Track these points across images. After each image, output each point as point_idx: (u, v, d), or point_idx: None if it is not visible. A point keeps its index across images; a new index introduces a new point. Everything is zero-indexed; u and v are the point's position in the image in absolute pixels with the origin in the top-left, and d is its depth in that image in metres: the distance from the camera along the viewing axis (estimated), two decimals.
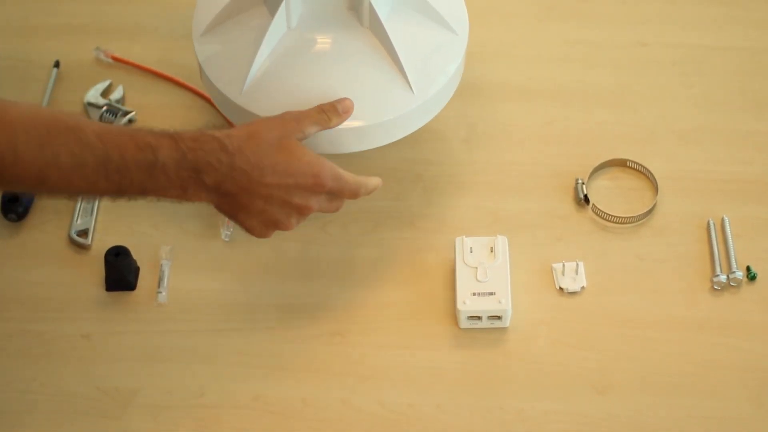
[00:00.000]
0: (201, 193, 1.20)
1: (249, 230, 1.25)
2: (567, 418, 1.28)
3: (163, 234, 1.41)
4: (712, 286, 1.35)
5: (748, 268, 1.36)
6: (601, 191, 1.43)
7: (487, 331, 1.33)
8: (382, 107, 1.30)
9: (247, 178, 1.20)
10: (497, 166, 1.46)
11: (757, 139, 1.46)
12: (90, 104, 1.52)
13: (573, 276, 1.36)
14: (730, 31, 1.56)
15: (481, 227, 1.40)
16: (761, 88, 1.51)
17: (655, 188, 1.42)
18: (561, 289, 1.36)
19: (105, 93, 1.53)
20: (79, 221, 1.42)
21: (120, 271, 1.37)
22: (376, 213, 1.43)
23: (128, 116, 1.51)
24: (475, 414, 1.29)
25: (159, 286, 1.38)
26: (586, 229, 1.40)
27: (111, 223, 1.42)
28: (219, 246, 1.41)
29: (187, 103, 1.53)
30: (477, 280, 1.33)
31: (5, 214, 1.43)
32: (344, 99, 1.27)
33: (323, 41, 1.31)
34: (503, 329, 1.34)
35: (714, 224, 1.39)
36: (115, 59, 1.56)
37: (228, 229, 1.40)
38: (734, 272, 1.35)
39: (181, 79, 1.54)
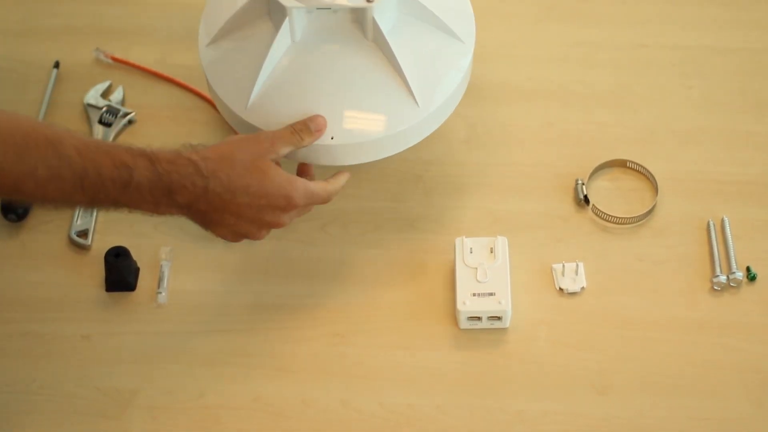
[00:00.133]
0: (173, 210, 1.22)
1: (220, 237, 1.27)
2: (567, 419, 1.28)
3: (163, 235, 1.41)
4: (712, 287, 1.35)
5: (748, 269, 1.36)
6: (601, 192, 1.43)
7: (487, 331, 1.33)
8: (387, 121, 1.30)
9: (219, 199, 1.22)
10: (497, 166, 1.46)
11: (756, 139, 1.46)
12: (90, 105, 1.52)
13: (573, 276, 1.36)
14: (730, 31, 1.56)
15: (481, 228, 1.40)
16: (761, 88, 1.51)
17: (655, 189, 1.42)
18: (561, 289, 1.36)
19: (105, 94, 1.53)
20: (79, 222, 1.42)
21: (120, 272, 1.37)
22: (376, 214, 1.43)
23: (128, 117, 1.51)
24: (475, 414, 1.29)
25: (159, 287, 1.38)
26: (586, 230, 1.40)
27: (111, 223, 1.42)
28: (219, 247, 1.41)
29: (187, 104, 1.53)
30: (477, 280, 1.33)
31: (5, 215, 1.43)
32: (316, 116, 1.28)
33: (327, 55, 1.30)
34: (503, 330, 1.34)
35: (714, 225, 1.39)
36: (115, 60, 1.56)
37: None
38: (734, 273, 1.35)
39: (181, 80, 1.54)
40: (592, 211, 1.41)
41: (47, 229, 1.43)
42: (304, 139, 1.27)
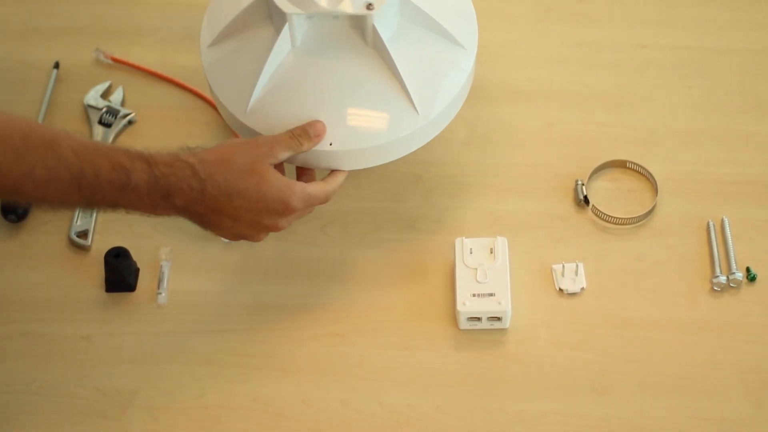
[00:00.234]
0: (170, 212, 1.22)
1: (219, 236, 1.28)
2: (566, 419, 1.28)
3: (162, 235, 1.41)
4: (712, 287, 1.35)
5: (747, 269, 1.36)
6: (600, 192, 1.43)
7: (486, 332, 1.33)
8: (386, 128, 1.29)
9: (216, 202, 1.22)
10: (497, 167, 1.46)
11: (756, 140, 1.46)
12: (90, 106, 1.52)
13: (573, 277, 1.36)
14: (730, 32, 1.56)
15: (480, 228, 1.40)
16: (761, 89, 1.51)
17: (655, 189, 1.42)
18: (561, 290, 1.36)
19: (105, 94, 1.53)
20: (78, 222, 1.42)
21: (120, 273, 1.37)
22: (376, 214, 1.43)
23: (128, 117, 1.51)
24: (475, 415, 1.29)
25: (159, 288, 1.38)
26: (585, 230, 1.40)
27: (111, 224, 1.42)
28: (218, 247, 1.41)
29: (187, 104, 1.53)
30: (477, 281, 1.33)
31: (5, 215, 1.43)
32: (315, 122, 1.28)
33: (327, 61, 1.30)
34: (503, 330, 1.34)
35: (714, 225, 1.39)
36: (115, 60, 1.56)
37: None
38: (734, 273, 1.35)
39: (181, 80, 1.54)
40: (592, 211, 1.41)
41: (47, 229, 1.43)
42: (303, 145, 1.27)
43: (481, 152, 1.47)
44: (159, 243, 1.41)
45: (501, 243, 1.35)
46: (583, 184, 1.42)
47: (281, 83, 1.30)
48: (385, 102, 1.29)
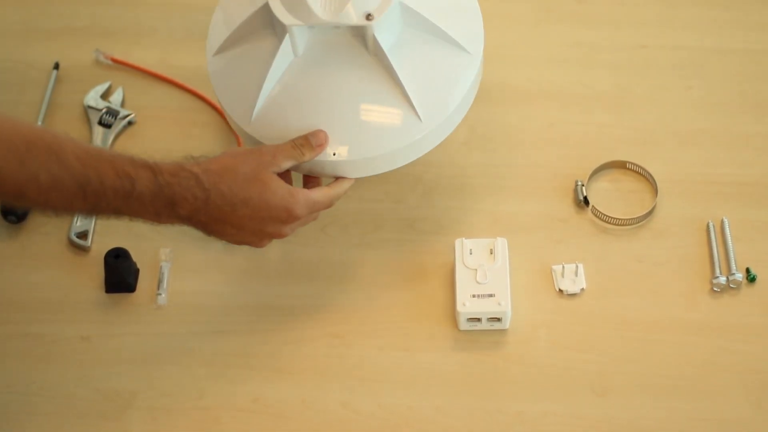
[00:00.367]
0: (174, 220, 1.23)
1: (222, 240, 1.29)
2: (566, 420, 1.28)
3: (162, 236, 1.41)
4: (712, 288, 1.35)
5: (747, 270, 1.36)
6: (600, 193, 1.43)
7: (486, 333, 1.33)
8: (389, 137, 1.29)
9: (219, 211, 1.22)
10: (497, 168, 1.46)
11: (756, 141, 1.46)
12: (90, 106, 1.52)
13: (572, 278, 1.36)
14: (730, 33, 1.56)
15: (480, 229, 1.40)
16: (761, 90, 1.50)
17: (655, 190, 1.42)
18: (560, 290, 1.36)
19: (105, 95, 1.53)
20: (78, 223, 1.42)
21: (120, 273, 1.37)
22: (375, 215, 1.43)
23: (128, 118, 1.51)
24: (475, 416, 1.29)
25: (158, 288, 1.38)
26: (585, 231, 1.40)
27: (110, 225, 1.41)
28: (218, 248, 1.41)
29: (187, 105, 1.53)
30: (476, 281, 1.33)
31: (5, 216, 1.43)
32: (317, 131, 1.28)
33: (330, 70, 1.29)
34: (503, 331, 1.34)
35: (714, 226, 1.39)
36: (115, 61, 1.56)
37: None
38: (734, 274, 1.35)
39: (181, 81, 1.54)
40: (592, 212, 1.41)
41: (47, 230, 1.43)
42: (305, 154, 1.27)
43: (480, 153, 1.47)
44: (159, 244, 1.41)
45: (501, 244, 1.35)
46: (582, 185, 1.42)
47: (284, 93, 1.30)
48: (387, 111, 1.29)
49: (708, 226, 1.39)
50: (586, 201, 1.41)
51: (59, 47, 1.58)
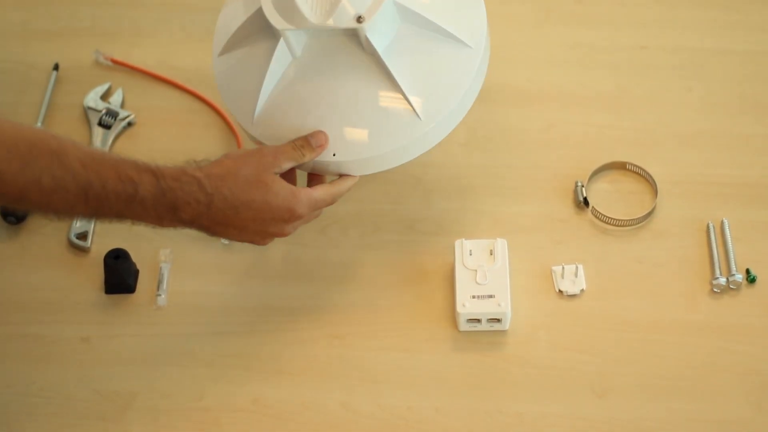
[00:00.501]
0: (176, 224, 1.23)
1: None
2: (566, 422, 1.28)
3: (162, 237, 1.41)
4: (712, 289, 1.35)
5: (747, 271, 1.36)
6: (600, 194, 1.43)
7: (486, 333, 1.33)
8: (389, 136, 1.29)
9: (222, 215, 1.23)
10: (496, 169, 1.45)
11: (756, 142, 1.46)
12: (89, 107, 1.52)
13: (572, 279, 1.36)
14: (730, 34, 1.56)
15: (480, 230, 1.40)
16: (761, 91, 1.50)
17: (655, 191, 1.42)
18: (560, 291, 1.36)
19: (104, 96, 1.53)
20: (78, 224, 1.42)
21: (119, 274, 1.37)
22: (375, 216, 1.43)
23: (127, 119, 1.51)
24: (475, 417, 1.29)
25: (158, 289, 1.38)
26: (585, 232, 1.40)
27: (110, 226, 1.40)
28: (218, 249, 1.41)
29: (187, 106, 1.53)
30: (476, 282, 1.33)
31: (5, 217, 1.43)
32: (317, 132, 1.28)
33: (327, 71, 1.29)
34: (503, 332, 1.33)
35: (713, 227, 1.39)
36: (115, 62, 1.56)
37: None
38: (734, 275, 1.35)
39: (181, 82, 1.54)
40: (592, 213, 1.41)
41: (47, 231, 1.43)
42: (306, 155, 1.27)
43: (480, 154, 1.47)
44: (158, 245, 1.41)
45: (501, 245, 1.35)
46: (582, 186, 1.42)
47: (284, 94, 1.30)
48: (386, 110, 1.29)
49: (708, 227, 1.39)
50: (586, 202, 1.41)
51: (59, 48, 1.58)
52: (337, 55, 1.29)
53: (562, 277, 1.36)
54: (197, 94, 1.53)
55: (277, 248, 1.40)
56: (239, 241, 1.27)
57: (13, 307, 1.38)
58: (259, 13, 1.28)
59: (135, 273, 1.39)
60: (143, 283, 1.39)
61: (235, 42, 1.33)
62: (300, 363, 1.33)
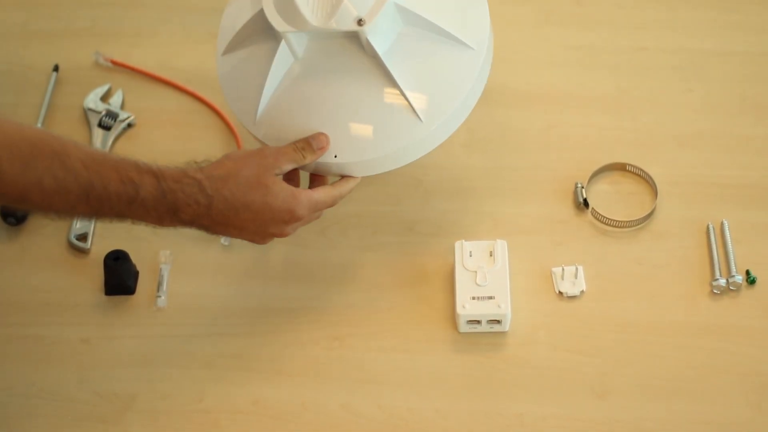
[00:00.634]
0: (176, 224, 1.23)
1: None
2: (566, 423, 1.28)
3: (162, 238, 1.41)
4: (712, 291, 1.35)
5: (747, 272, 1.36)
6: (600, 195, 1.43)
7: (486, 335, 1.33)
8: (390, 138, 1.29)
9: (222, 216, 1.23)
10: (496, 170, 1.46)
11: (756, 143, 1.46)
12: (89, 109, 1.52)
13: (572, 280, 1.36)
14: (730, 35, 1.56)
15: (480, 231, 1.40)
16: (761, 92, 1.50)
17: (655, 192, 1.42)
18: (560, 293, 1.36)
19: (104, 97, 1.53)
20: (78, 225, 1.42)
21: (119, 276, 1.37)
22: (375, 217, 1.43)
23: (127, 120, 1.51)
24: (475, 418, 1.29)
25: (158, 291, 1.38)
26: (585, 234, 1.40)
27: (110, 227, 1.40)
28: (218, 250, 1.41)
29: (186, 107, 1.53)
30: (476, 284, 1.33)
31: (5, 218, 1.43)
32: (318, 134, 1.28)
33: (329, 73, 1.29)
34: (503, 333, 1.33)
35: (713, 228, 1.39)
36: (115, 63, 1.56)
37: None
38: (734, 276, 1.35)
39: (180, 83, 1.54)
40: (592, 214, 1.41)
41: (47, 232, 1.43)
42: (307, 158, 1.27)
43: (480, 155, 1.47)
44: (158, 246, 1.41)
45: (501, 246, 1.35)
46: (582, 187, 1.42)
47: (286, 95, 1.30)
48: (387, 112, 1.29)
49: (708, 228, 1.39)
50: (585, 203, 1.41)
51: (59, 49, 1.58)
52: (339, 57, 1.29)
53: (562, 278, 1.36)
54: (197, 96, 1.53)
55: (277, 250, 1.40)
56: (239, 238, 1.27)
57: (13, 308, 1.38)
58: (261, 15, 1.28)
59: (135, 274, 1.39)
60: (143, 284, 1.39)
61: (238, 42, 1.33)
62: (300, 364, 1.33)
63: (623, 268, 1.37)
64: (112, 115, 1.51)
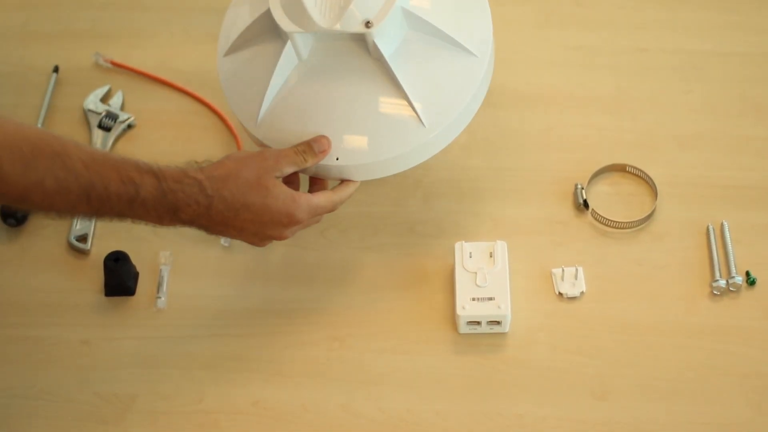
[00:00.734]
0: (176, 223, 1.23)
1: None
2: (566, 424, 1.28)
3: (162, 239, 1.41)
4: (712, 292, 1.35)
5: (747, 273, 1.36)
6: (600, 196, 1.43)
7: (486, 336, 1.33)
8: (393, 142, 1.29)
9: (221, 216, 1.23)
10: (496, 171, 1.46)
11: (756, 144, 1.46)
12: (89, 110, 1.52)
13: (572, 281, 1.36)
14: (730, 36, 1.56)
15: (480, 232, 1.40)
16: (760, 93, 1.50)
17: (655, 193, 1.42)
18: (560, 294, 1.36)
19: (104, 98, 1.53)
20: (78, 226, 1.42)
21: (119, 277, 1.37)
22: (375, 218, 1.43)
23: (127, 121, 1.51)
24: (474, 419, 1.29)
25: (158, 292, 1.38)
26: (585, 235, 1.40)
27: (110, 228, 1.41)
28: (218, 251, 1.41)
29: (186, 108, 1.53)
30: (476, 285, 1.33)
31: (5, 219, 1.43)
32: (320, 138, 1.28)
33: (333, 75, 1.29)
34: (502, 334, 1.33)
35: (713, 229, 1.39)
36: (115, 64, 1.56)
37: None
38: (733, 277, 1.35)
39: (180, 84, 1.54)
40: (592, 215, 1.41)
41: (46, 233, 1.43)
42: (308, 161, 1.27)
43: (480, 156, 1.47)
44: (158, 247, 1.41)
45: (501, 247, 1.35)
46: (582, 188, 1.42)
47: (289, 97, 1.30)
48: (390, 116, 1.29)
49: (708, 229, 1.39)
50: (585, 204, 1.41)
51: (59, 50, 1.58)
52: (343, 60, 1.29)
53: (562, 279, 1.36)
54: (197, 97, 1.53)
55: (277, 250, 1.40)
56: (238, 239, 1.27)
57: (12, 309, 1.38)
58: (267, 15, 1.28)
59: (135, 275, 1.39)
60: (143, 285, 1.39)
61: (241, 43, 1.33)
62: (300, 365, 1.33)
63: (623, 269, 1.38)
64: (112, 116, 1.51)
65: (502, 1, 1.58)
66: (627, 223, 1.40)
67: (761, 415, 1.28)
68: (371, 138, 1.28)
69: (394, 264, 1.39)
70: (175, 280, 1.39)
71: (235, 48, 1.34)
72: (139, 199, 1.19)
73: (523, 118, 1.50)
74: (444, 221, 1.42)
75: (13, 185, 1.14)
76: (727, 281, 1.35)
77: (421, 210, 1.43)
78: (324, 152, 1.28)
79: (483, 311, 1.31)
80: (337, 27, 1.25)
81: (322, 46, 1.30)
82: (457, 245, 1.36)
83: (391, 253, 1.40)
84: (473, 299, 1.32)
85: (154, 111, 1.53)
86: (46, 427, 1.30)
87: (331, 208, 1.29)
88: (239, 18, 1.34)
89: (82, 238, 1.42)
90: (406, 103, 1.28)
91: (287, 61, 1.29)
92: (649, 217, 1.41)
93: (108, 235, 1.42)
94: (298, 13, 1.26)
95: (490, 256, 1.35)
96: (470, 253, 1.35)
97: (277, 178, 1.25)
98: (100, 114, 1.51)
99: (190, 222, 1.23)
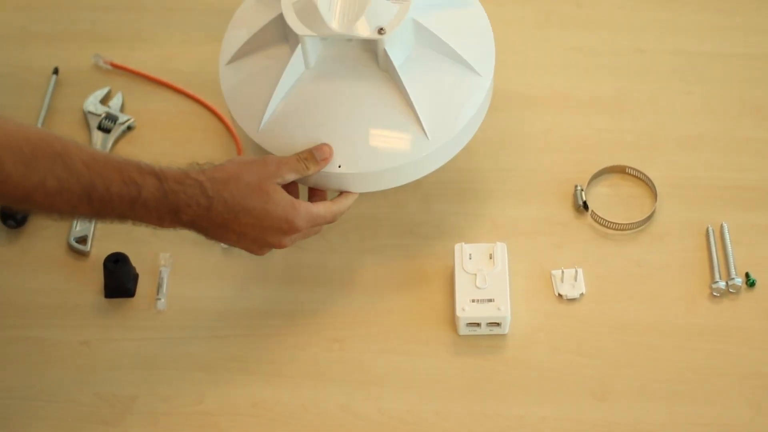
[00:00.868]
0: (176, 225, 1.23)
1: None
2: (566, 425, 1.28)
3: (162, 241, 1.41)
4: (711, 293, 1.35)
5: (747, 275, 1.36)
6: (600, 198, 1.43)
7: (486, 337, 1.33)
8: (395, 153, 1.29)
9: (221, 218, 1.23)
10: (496, 172, 1.46)
11: (756, 145, 1.46)
12: (89, 111, 1.52)
13: (572, 282, 1.36)
14: (730, 37, 1.56)
15: (480, 234, 1.40)
16: (760, 94, 1.50)
17: (654, 195, 1.42)
18: (560, 295, 1.36)
19: (104, 100, 1.53)
20: (78, 228, 1.42)
21: (119, 278, 1.37)
22: (375, 220, 1.43)
23: (127, 123, 1.51)
24: (474, 420, 1.29)
25: (158, 293, 1.38)
26: (585, 236, 1.40)
27: (110, 229, 1.41)
28: (218, 253, 1.41)
29: (186, 110, 1.53)
30: (476, 286, 1.33)
31: (4, 221, 1.43)
32: (322, 145, 1.28)
33: (339, 83, 1.30)
34: (502, 336, 1.33)
35: (713, 231, 1.39)
36: (114, 66, 1.56)
37: None
38: (733, 279, 1.35)
39: (180, 86, 1.54)
40: (592, 217, 1.41)
41: (46, 235, 1.43)
42: (309, 168, 1.27)
43: (480, 158, 1.47)
44: (158, 249, 1.41)
45: (500, 248, 1.35)
46: (582, 190, 1.42)
47: (293, 104, 1.30)
48: (395, 126, 1.29)
49: (707, 230, 1.39)
50: (585, 206, 1.41)
51: (58, 52, 1.58)
52: (351, 68, 1.29)
53: (562, 280, 1.36)
54: (197, 98, 1.53)
55: (276, 252, 1.39)
56: (237, 246, 1.27)
57: (12, 310, 1.38)
58: (278, 20, 1.28)
59: (135, 277, 1.39)
60: (143, 287, 1.39)
61: (247, 50, 1.33)
62: (300, 366, 1.33)
63: (623, 270, 1.38)
64: (112, 118, 1.51)
65: (502, 2, 1.58)
66: (627, 224, 1.40)
67: (761, 415, 1.28)
68: (374, 148, 1.29)
69: (393, 265, 1.39)
70: (174, 282, 1.39)
71: (239, 55, 1.34)
72: (141, 200, 1.19)
73: (523, 119, 1.50)
74: (443, 223, 1.42)
75: (15, 186, 1.14)
76: (727, 282, 1.35)
77: (420, 211, 1.43)
78: (326, 160, 1.28)
79: (483, 313, 1.31)
80: (351, 32, 1.25)
81: (330, 53, 1.30)
82: (457, 247, 1.36)
83: (390, 254, 1.40)
84: (473, 301, 1.32)
85: (153, 112, 1.53)
86: (46, 428, 1.30)
87: (331, 219, 1.29)
88: (244, 26, 1.34)
89: (82, 240, 1.42)
90: (411, 113, 1.29)
91: (294, 68, 1.29)
92: (649, 218, 1.41)
93: (108, 237, 1.42)
94: (311, 18, 1.26)
95: (490, 258, 1.35)
96: (470, 254, 1.35)
97: (278, 184, 1.25)
98: (99, 116, 1.51)
99: (191, 223, 1.23)
